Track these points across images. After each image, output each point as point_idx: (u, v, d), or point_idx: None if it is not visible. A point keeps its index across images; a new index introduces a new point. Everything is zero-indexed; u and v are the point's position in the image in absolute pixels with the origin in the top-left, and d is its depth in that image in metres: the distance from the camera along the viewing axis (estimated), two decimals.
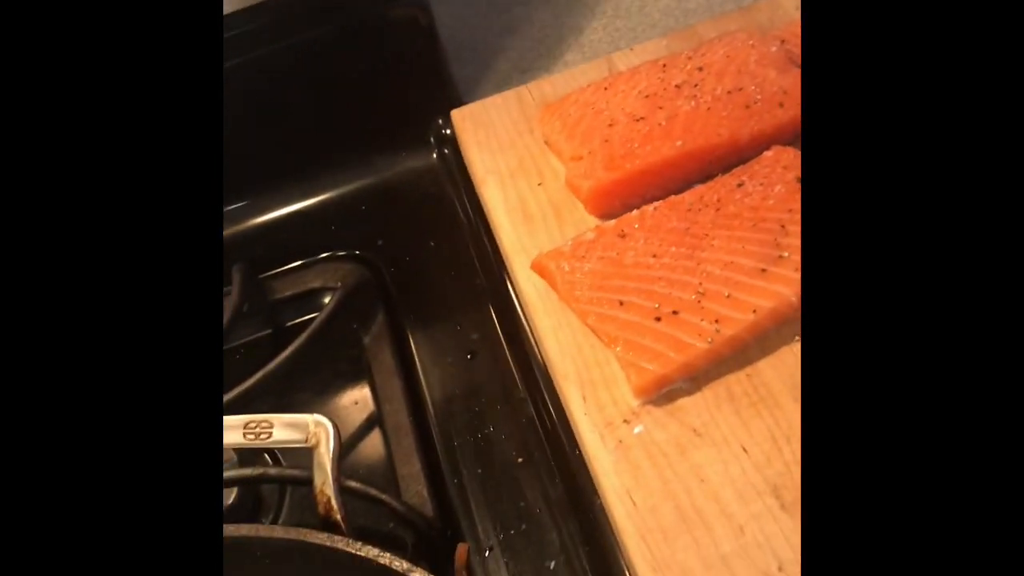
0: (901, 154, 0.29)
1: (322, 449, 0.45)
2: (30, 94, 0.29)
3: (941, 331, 0.28)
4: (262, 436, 0.45)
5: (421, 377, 0.60)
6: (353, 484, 0.51)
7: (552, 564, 0.50)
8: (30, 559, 0.26)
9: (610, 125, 0.55)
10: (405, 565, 0.41)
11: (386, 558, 0.42)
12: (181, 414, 0.28)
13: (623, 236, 0.50)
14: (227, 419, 0.46)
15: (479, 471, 0.54)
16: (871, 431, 0.28)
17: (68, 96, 0.29)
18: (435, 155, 0.70)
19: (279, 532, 0.43)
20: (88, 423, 0.27)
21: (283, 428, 0.46)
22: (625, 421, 0.47)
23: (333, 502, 0.44)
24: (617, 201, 0.54)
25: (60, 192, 0.29)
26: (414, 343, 0.62)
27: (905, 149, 0.29)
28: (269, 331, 0.65)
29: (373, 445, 0.59)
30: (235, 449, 0.53)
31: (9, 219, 0.28)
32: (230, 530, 0.43)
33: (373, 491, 0.51)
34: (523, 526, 0.52)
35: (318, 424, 0.45)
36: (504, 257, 0.57)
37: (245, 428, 0.46)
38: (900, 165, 0.29)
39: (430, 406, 0.58)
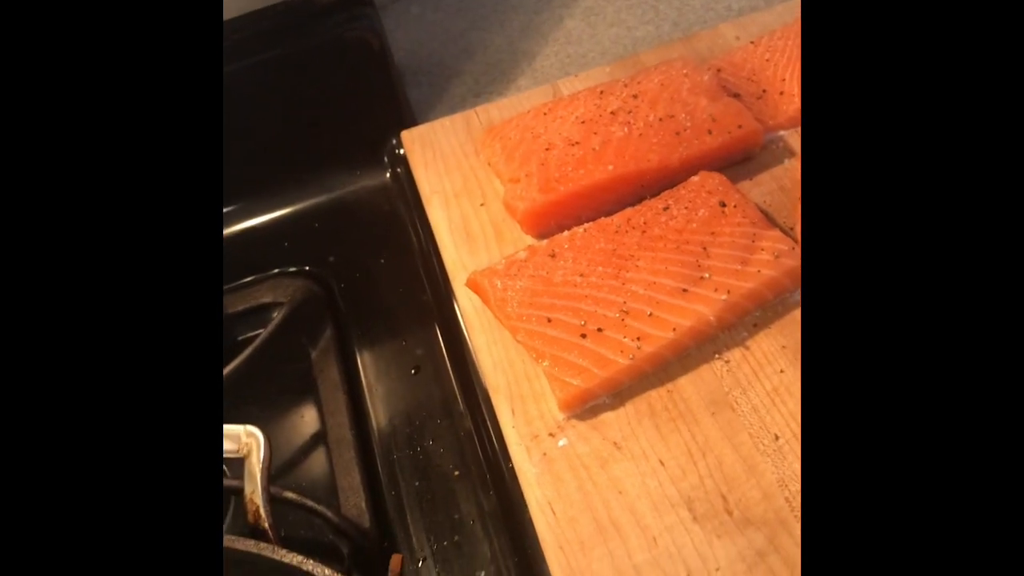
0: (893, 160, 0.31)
1: (253, 459, 0.46)
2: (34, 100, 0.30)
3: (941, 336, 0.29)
4: None
5: (366, 391, 0.61)
6: (290, 495, 0.52)
7: (482, 575, 0.51)
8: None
9: (547, 149, 0.56)
10: (327, 571, 0.42)
11: (310, 564, 0.43)
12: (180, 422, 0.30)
13: (553, 256, 0.52)
14: None
15: (416, 483, 0.56)
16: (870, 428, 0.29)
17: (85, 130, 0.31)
18: (388, 174, 0.72)
19: None
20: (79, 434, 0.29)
21: None
22: (550, 434, 0.49)
23: (261, 510, 0.45)
24: (552, 222, 0.56)
25: (66, 205, 0.30)
26: (360, 358, 0.63)
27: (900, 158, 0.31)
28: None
29: (317, 457, 0.60)
30: None
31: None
32: None
33: (309, 502, 0.52)
34: (456, 538, 0.53)
35: (250, 435, 0.47)
36: (448, 275, 0.59)
37: None
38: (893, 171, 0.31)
39: (373, 420, 0.60)
